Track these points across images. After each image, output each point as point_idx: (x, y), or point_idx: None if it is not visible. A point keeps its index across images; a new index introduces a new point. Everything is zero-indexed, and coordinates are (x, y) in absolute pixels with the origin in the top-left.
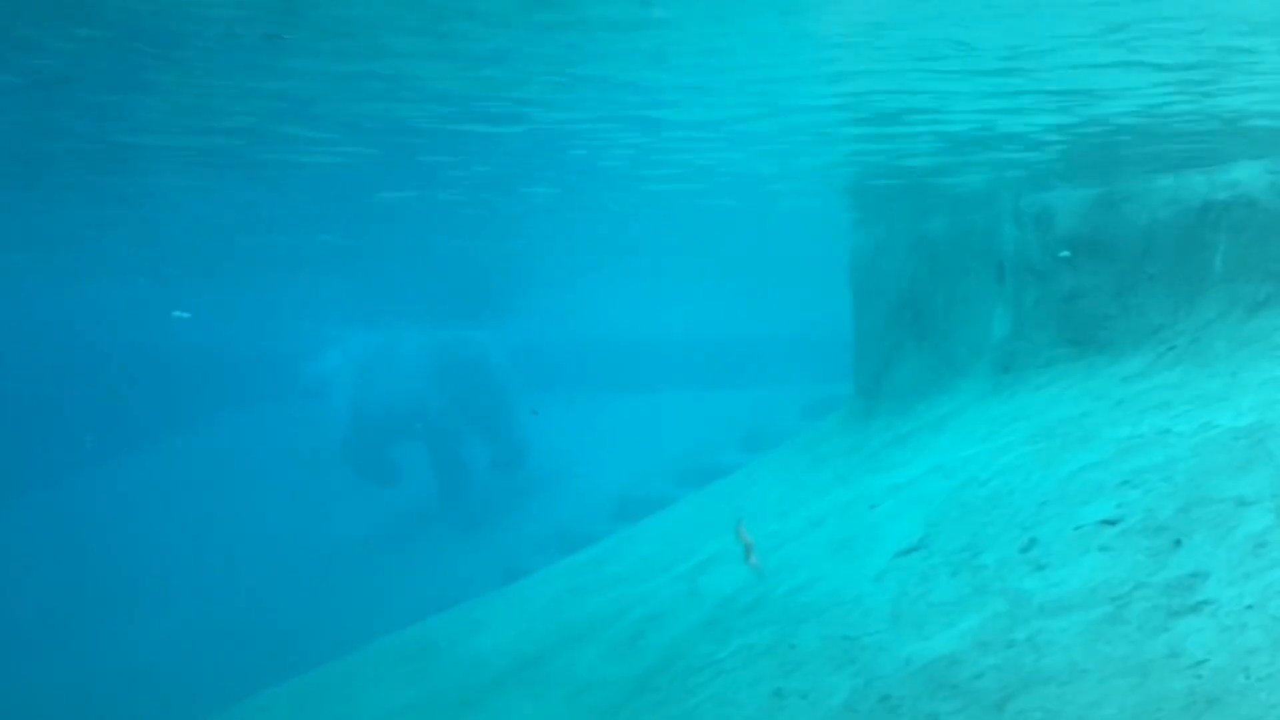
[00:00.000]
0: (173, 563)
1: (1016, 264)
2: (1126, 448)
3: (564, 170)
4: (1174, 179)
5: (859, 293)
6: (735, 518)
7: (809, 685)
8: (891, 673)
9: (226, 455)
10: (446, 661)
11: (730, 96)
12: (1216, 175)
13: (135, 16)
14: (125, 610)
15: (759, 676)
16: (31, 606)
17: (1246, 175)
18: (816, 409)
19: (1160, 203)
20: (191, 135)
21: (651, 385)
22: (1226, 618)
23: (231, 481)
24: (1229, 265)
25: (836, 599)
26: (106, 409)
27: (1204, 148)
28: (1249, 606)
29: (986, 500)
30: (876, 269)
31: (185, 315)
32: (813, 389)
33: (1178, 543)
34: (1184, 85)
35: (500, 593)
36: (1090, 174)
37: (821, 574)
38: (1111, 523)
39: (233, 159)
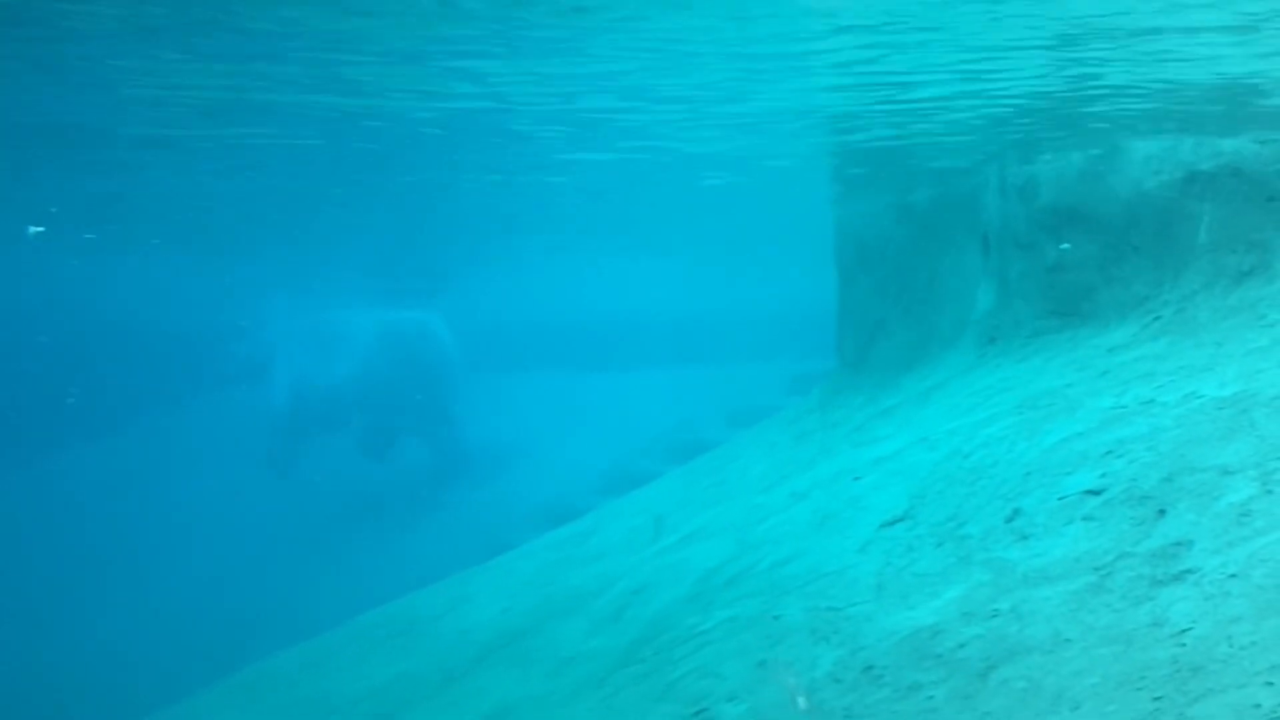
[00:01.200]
0: (151, 542)
1: (1001, 236)
2: (1111, 418)
3: (542, 144)
4: (1160, 148)
5: (843, 267)
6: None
7: (793, 656)
8: (875, 643)
9: (200, 434)
10: (430, 636)
11: (709, 66)
12: (1202, 145)
13: None
14: (104, 588)
15: (743, 648)
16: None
17: (1232, 144)
18: (802, 384)
19: (1145, 173)
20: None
21: (637, 362)
22: (1210, 586)
23: (207, 462)
24: (1214, 235)
25: (820, 571)
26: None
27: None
28: (1232, 575)
29: (971, 471)
30: (861, 242)
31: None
32: (798, 364)
33: (1161, 512)
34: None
35: (484, 567)
36: (1075, 141)
37: (805, 547)
38: (1095, 493)
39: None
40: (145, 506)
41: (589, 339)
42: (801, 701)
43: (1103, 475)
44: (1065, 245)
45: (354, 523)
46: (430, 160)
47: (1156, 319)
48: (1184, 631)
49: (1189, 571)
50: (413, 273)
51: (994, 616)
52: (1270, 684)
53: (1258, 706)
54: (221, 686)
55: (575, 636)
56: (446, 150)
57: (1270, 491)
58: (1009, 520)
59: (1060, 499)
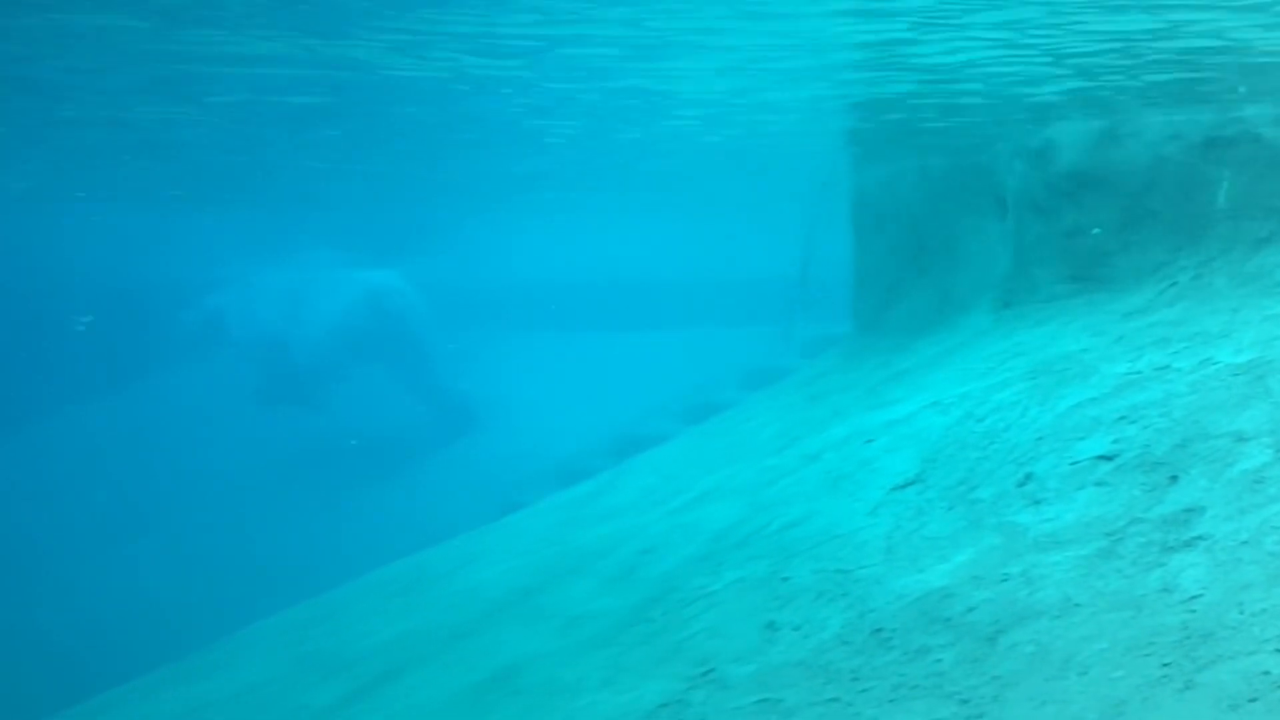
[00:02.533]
0: (160, 495)
1: (1019, 200)
2: (1125, 383)
3: (563, 101)
4: (1179, 114)
5: (860, 229)
6: None
7: (802, 618)
8: (884, 606)
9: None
10: (438, 594)
11: (727, 24)
12: (1222, 111)
13: None
14: (112, 543)
15: (752, 609)
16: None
17: (1253, 111)
18: (816, 346)
19: (1164, 138)
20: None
21: (651, 323)
22: (1221, 553)
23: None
24: (1232, 202)
25: (831, 533)
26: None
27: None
28: (1244, 542)
29: (983, 436)
30: (878, 205)
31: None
32: (813, 327)
33: (1174, 478)
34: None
35: (494, 526)
36: (1095, 106)
37: (816, 508)
38: (1108, 458)
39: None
40: (150, 463)
41: (601, 299)
42: None
43: (1116, 441)
44: (1097, 230)
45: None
46: (444, 116)
47: (1173, 285)
48: (1194, 598)
49: (1200, 538)
50: (422, 230)
51: (1004, 581)
52: (1279, 653)
53: (1267, 674)
54: (229, 641)
55: (584, 595)
56: (458, 104)
57: None
58: (1020, 485)
59: (1072, 464)
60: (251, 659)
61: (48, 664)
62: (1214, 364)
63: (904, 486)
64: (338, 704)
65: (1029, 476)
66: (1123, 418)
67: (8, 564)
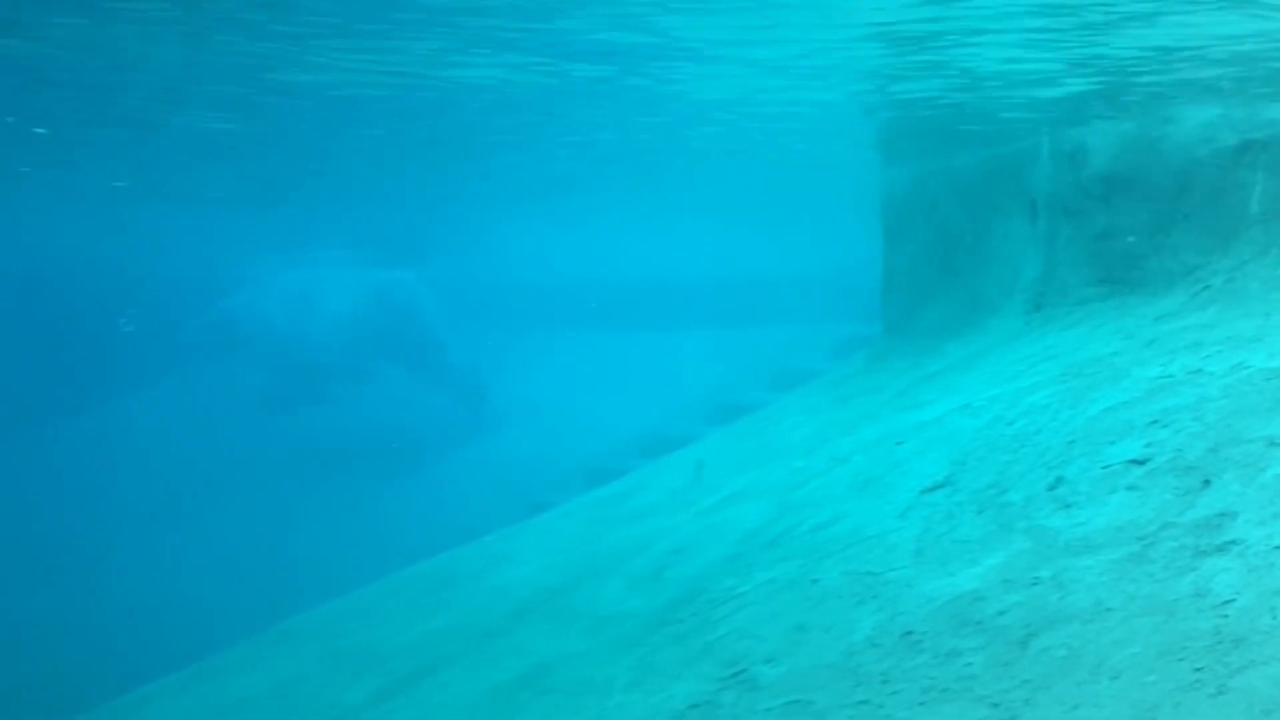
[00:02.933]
0: (191, 492)
1: (1049, 202)
2: (1157, 387)
3: (592, 102)
4: (1212, 116)
5: (889, 231)
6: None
7: (831, 620)
8: (914, 609)
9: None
10: (468, 593)
11: (753, 22)
12: (1255, 113)
13: None
14: (146, 538)
15: (781, 610)
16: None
17: None
18: (844, 348)
19: (1197, 140)
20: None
21: (680, 323)
22: (1254, 558)
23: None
24: (1265, 205)
25: (860, 535)
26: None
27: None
28: (1277, 547)
29: (1013, 439)
30: (907, 206)
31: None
32: (841, 328)
33: (1206, 482)
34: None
35: (524, 526)
36: (1127, 108)
37: (846, 510)
38: (1140, 462)
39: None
40: (181, 461)
41: (631, 299)
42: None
43: (1147, 445)
44: (1132, 238)
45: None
46: (479, 121)
47: (1205, 288)
48: (1226, 603)
49: (1233, 543)
50: (454, 231)
51: (1035, 584)
52: None
53: None
54: (262, 637)
55: (613, 596)
56: (494, 112)
57: None
58: (1051, 488)
59: (1104, 468)
60: (283, 656)
61: (83, 659)
62: (1247, 368)
63: (934, 489)
64: (370, 701)
65: (1060, 480)
66: (1155, 422)
67: (44, 559)
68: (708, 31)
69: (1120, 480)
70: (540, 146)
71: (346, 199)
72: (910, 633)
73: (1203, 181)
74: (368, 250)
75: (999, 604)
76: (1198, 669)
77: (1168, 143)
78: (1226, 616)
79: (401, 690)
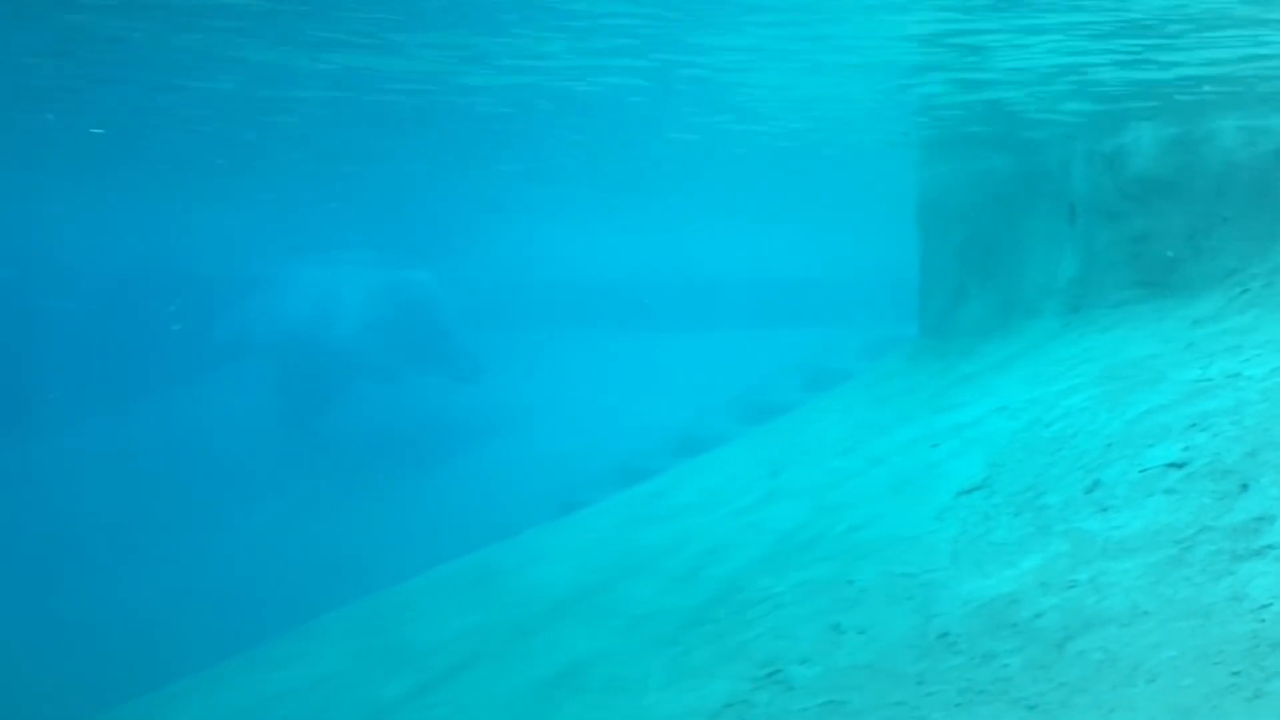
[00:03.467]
0: (223, 495)
1: (1088, 204)
2: (1195, 391)
3: (632, 111)
4: (1251, 121)
5: (925, 231)
6: None
7: (867, 621)
8: (951, 610)
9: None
10: (504, 591)
11: (795, 22)
12: None
13: None
14: (186, 537)
15: (817, 611)
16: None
17: None
18: (880, 349)
19: (1237, 144)
20: None
21: (715, 323)
22: None
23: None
24: None
25: (897, 536)
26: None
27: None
28: None
29: (1051, 441)
30: (944, 207)
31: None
32: (876, 329)
33: (1244, 487)
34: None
35: (559, 524)
36: (1167, 112)
37: (882, 512)
38: (1178, 465)
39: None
40: (208, 463)
41: (666, 299)
42: None
43: (1185, 448)
44: (1170, 253)
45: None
46: (522, 132)
47: (1244, 291)
48: (1264, 607)
49: (1270, 546)
50: (497, 233)
51: (1071, 587)
52: None
53: None
54: (299, 633)
55: (648, 595)
56: (534, 122)
57: None
58: (1089, 491)
59: (1141, 471)
60: (322, 651)
61: (125, 651)
62: None
63: (970, 491)
64: (407, 696)
65: (1097, 483)
66: (1193, 425)
67: (87, 552)
68: (747, 29)
69: (1158, 484)
70: (592, 148)
71: (390, 201)
72: (946, 634)
73: (1242, 185)
74: (398, 252)
75: (1035, 606)
76: (1234, 673)
77: (1207, 146)
78: (1264, 621)
79: (438, 686)
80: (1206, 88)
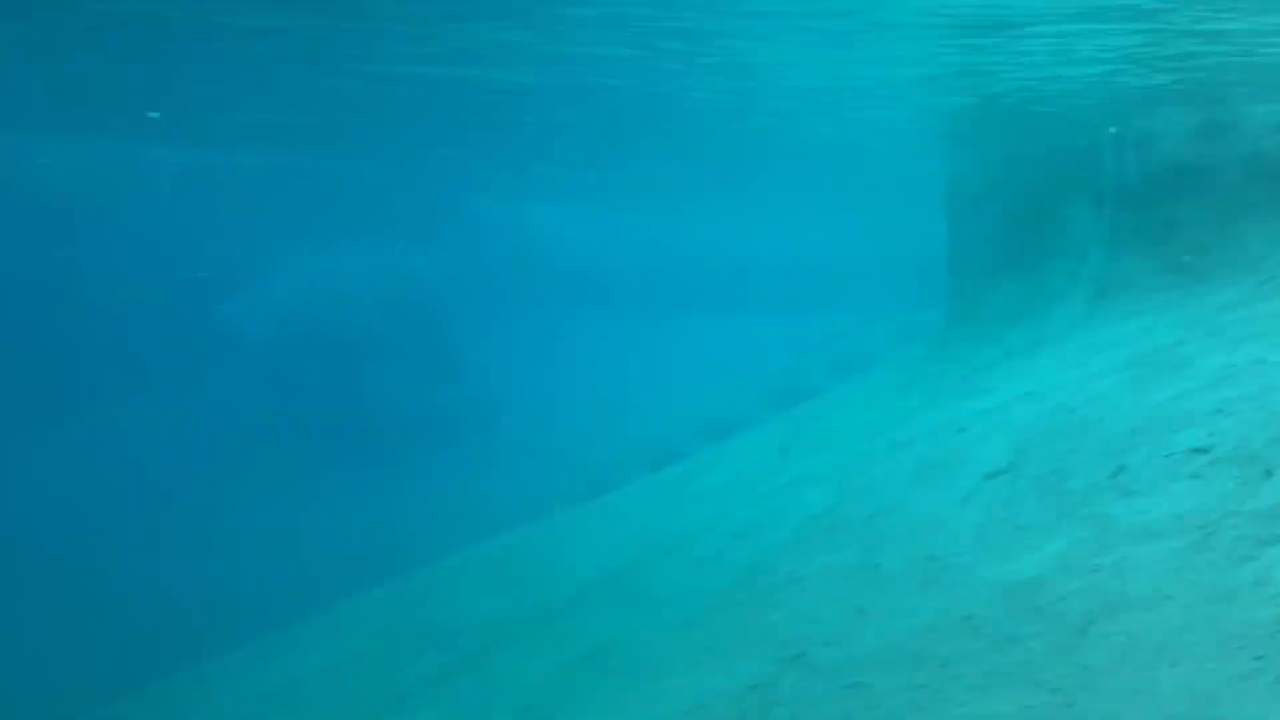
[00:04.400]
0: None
1: (1116, 191)
2: (1220, 376)
3: (658, 84)
4: (1278, 107)
5: (954, 220)
6: None
7: (891, 604)
8: (974, 594)
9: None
10: (531, 573)
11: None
12: None
13: None
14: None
15: (842, 594)
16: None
17: None
18: (906, 334)
19: (1265, 130)
20: None
21: (743, 308)
22: None
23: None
24: None
25: (921, 520)
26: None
27: None
28: None
29: (1076, 426)
30: (973, 196)
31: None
32: (903, 315)
33: (1269, 472)
34: None
35: (586, 507)
36: (1195, 100)
37: (907, 496)
38: (1202, 451)
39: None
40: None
41: (695, 284)
42: None
43: (1210, 434)
44: (1187, 257)
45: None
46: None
47: (1270, 279)
48: None
49: None
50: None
51: (1095, 571)
52: None
53: None
54: (324, 615)
55: (674, 578)
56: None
57: None
58: (1113, 476)
59: (1166, 456)
60: (346, 634)
61: (151, 633)
62: None
63: (995, 475)
64: (433, 679)
65: (1122, 468)
66: (1218, 411)
67: (106, 536)
68: (781, 4)
69: (1182, 469)
70: (626, 139)
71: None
72: (970, 618)
73: (1269, 172)
74: (428, 240)
75: (1059, 590)
76: (1258, 657)
77: (1234, 133)
78: None
79: (464, 668)
80: (1235, 76)
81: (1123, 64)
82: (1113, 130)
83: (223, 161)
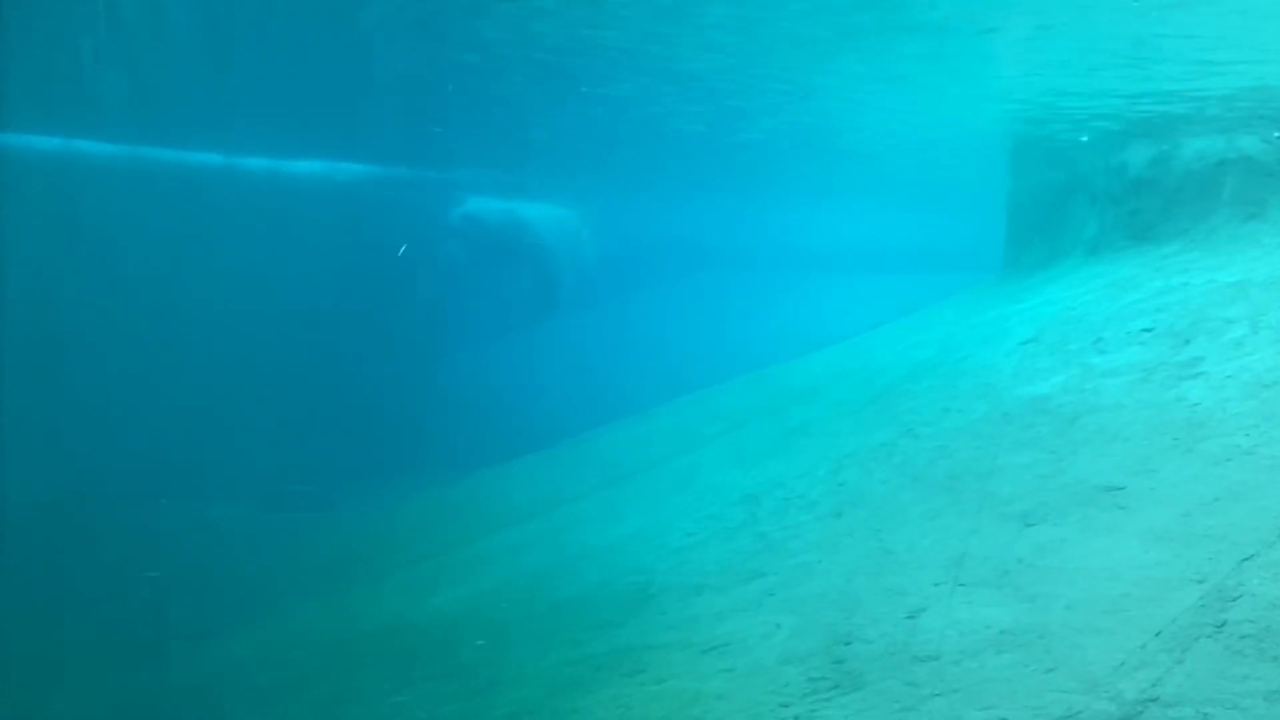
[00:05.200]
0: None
1: (1103, 194)
2: (1160, 291)
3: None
4: (1202, 143)
5: (1010, 211)
6: None
7: (964, 405)
8: (1010, 402)
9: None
10: (765, 385)
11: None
12: (1230, 143)
13: None
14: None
15: (935, 400)
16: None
17: (1248, 141)
18: (979, 278)
19: (1193, 157)
20: None
21: (884, 270)
22: (1214, 381)
23: None
24: (1232, 195)
25: (983, 364)
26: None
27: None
28: (1229, 376)
29: (1074, 317)
30: (1021, 199)
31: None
32: (979, 269)
33: (1187, 341)
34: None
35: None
36: (1152, 138)
37: (975, 351)
38: (1148, 330)
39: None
40: None
41: (856, 256)
42: None
43: (1153, 321)
44: (1143, 231)
45: None
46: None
47: (1192, 241)
48: (1196, 405)
49: (1201, 373)
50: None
51: (1082, 392)
52: (1246, 433)
53: (1238, 446)
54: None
55: (845, 390)
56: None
57: (1257, 333)
58: (1094, 343)
59: (1126, 332)
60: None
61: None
62: (1215, 282)
63: (1026, 342)
64: (717, 434)
65: (1099, 339)
66: (1158, 309)
67: None
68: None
69: (1135, 339)
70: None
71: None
72: (1008, 414)
73: (1194, 183)
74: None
75: (1060, 401)
76: (1175, 439)
77: (1175, 160)
78: (1194, 410)
79: (729, 432)
80: (1177, 121)
81: (1107, 120)
82: (1084, 139)
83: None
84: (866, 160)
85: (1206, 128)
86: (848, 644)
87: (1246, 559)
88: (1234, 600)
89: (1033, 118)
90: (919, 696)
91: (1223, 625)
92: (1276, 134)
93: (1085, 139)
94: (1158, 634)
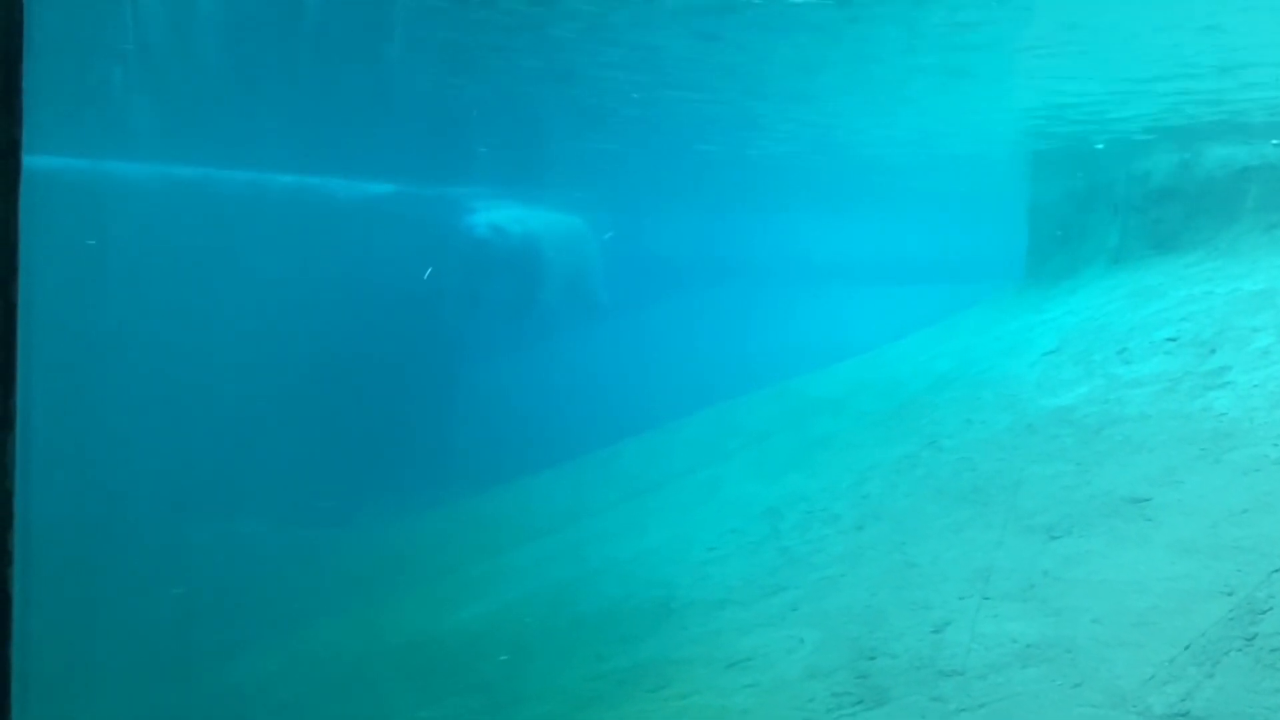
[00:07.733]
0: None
1: (1125, 203)
2: (1185, 300)
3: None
4: (1224, 150)
5: (1032, 221)
6: None
7: (986, 417)
8: (1034, 413)
9: None
10: (789, 398)
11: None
12: (1253, 150)
13: None
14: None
15: (958, 412)
16: None
17: (1270, 149)
18: (1002, 288)
19: (1216, 165)
20: None
21: (911, 281)
22: (1241, 391)
23: None
24: (1256, 203)
25: (1006, 375)
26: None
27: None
28: (1256, 385)
29: (1098, 327)
30: (1044, 209)
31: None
32: (1001, 279)
33: (1213, 350)
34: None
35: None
36: (1174, 146)
37: (998, 363)
38: (1173, 339)
39: None
40: None
41: (887, 268)
42: None
43: (1178, 329)
44: (1165, 240)
45: None
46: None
47: (1216, 249)
48: (1222, 414)
49: (1228, 383)
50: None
51: (1106, 402)
52: (1275, 443)
53: (1266, 456)
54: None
55: (866, 402)
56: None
57: None
58: (1119, 353)
59: (1151, 342)
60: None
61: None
62: (1240, 290)
63: (1049, 353)
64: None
65: (1124, 349)
66: (1183, 319)
67: None
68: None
69: (1161, 349)
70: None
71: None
72: (1031, 425)
73: (1218, 190)
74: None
75: (1084, 412)
76: (1202, 449)
77: (1198, 169)
78: (1221, 420)
79: (763, 441)
80: (1200, 129)
81: (1129, 126)
82: (1100, 146)
83: None
84: (889, 171)
85: (1229, 135)
86: (872, 659)
87: (1277, 570)
88: (1264, 613)
89: (1051, 131)
90: (944, 712)
91: (1253, 638)
92: None
93: (1100, 146)
94: (1187, 647)
